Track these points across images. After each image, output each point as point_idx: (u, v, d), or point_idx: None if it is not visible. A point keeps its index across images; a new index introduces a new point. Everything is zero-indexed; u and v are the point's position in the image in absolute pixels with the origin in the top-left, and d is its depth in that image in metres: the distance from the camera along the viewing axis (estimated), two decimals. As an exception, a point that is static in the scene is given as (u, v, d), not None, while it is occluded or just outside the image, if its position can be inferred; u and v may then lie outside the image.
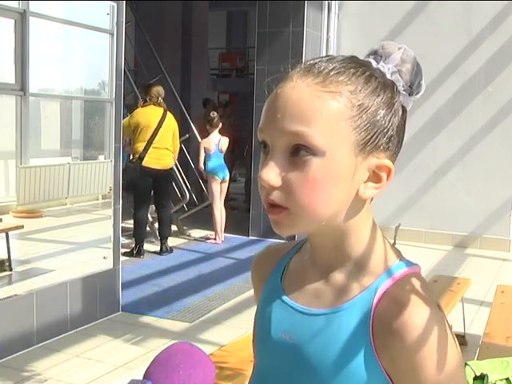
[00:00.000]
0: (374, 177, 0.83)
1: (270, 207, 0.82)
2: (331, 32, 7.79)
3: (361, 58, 0.87)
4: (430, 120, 7.50)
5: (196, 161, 8.70)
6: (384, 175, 0.83)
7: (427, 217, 7.61)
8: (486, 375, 2.28)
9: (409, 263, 0.87)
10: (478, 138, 7.39)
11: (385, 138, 0.82)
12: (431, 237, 7.54)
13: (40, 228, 4.66)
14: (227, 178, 7.32)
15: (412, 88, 0.86)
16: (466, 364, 2.37)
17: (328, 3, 7.76)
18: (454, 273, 5.85)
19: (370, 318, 0.82)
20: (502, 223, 7.36)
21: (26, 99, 4.20)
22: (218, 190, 7.23)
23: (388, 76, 0.84)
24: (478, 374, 2.31)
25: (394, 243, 0.91)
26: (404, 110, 0.86)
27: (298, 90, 0.80)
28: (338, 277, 0.87)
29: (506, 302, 3.91)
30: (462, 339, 4.23)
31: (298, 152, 0.79)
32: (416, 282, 0.84)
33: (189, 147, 8.82)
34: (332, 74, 0.81)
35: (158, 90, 6.55)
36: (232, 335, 4.11)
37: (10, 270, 4.16)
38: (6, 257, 4.14)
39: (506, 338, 3.25)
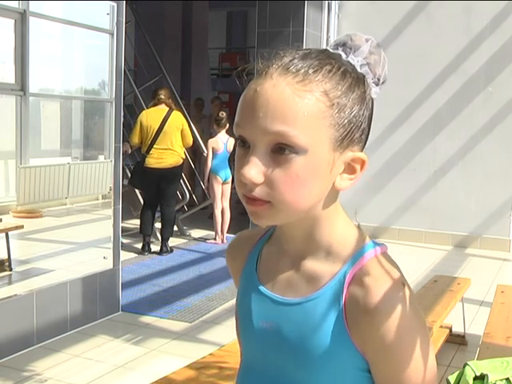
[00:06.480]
0: (349, 169, 0.87)
1: (250, 200, 0.85)
2: (331, 32, 7.78)
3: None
4: (430, 120, 7.49)
5: (195, 161, 8.70)
6: (358, 167, 0.88)
7: (427, 217, 7.61)
8: (486, 375, 2.28)
9: (375, 244, 0.91)
10: (478, 138, 7.38)
11: (359, 132, 0.86)
12: (431, 237, 7.54)
13: (40, 228, 4.65)
14: (229, 179, 7.31)
15: (379, 79, 0.90)
16: (466, 364, 2.37)
17: (328, 3, 7.75)
18: (454, 273, 5.85)
19: (341, 303, 0.86)
20: (501, 223, 7.36)
21: (26, 99, 4.19)
22: (220, 191, 7.23)
23: (358, 69, 0.88)
24: (477, 374, 2.30)
25: (358, 225, 0.95)
26: (372, 101, 0.89)
27: (279, 88, 0.82)
28: (309, 265, 0.91)
29: (506, 302, 3.91)
30: (462, 339, 4.23)
31: (281, 150, 0.82)
32: (381, 263, 0.88)
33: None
34: (310, 72, 0.83)
35: (160, 90, 6.63)
36: (232, 335, 4.10)
37: (10, 270, 4.16)
38: (5, 257, 4.14)
39: (506, 337, 3.25)
